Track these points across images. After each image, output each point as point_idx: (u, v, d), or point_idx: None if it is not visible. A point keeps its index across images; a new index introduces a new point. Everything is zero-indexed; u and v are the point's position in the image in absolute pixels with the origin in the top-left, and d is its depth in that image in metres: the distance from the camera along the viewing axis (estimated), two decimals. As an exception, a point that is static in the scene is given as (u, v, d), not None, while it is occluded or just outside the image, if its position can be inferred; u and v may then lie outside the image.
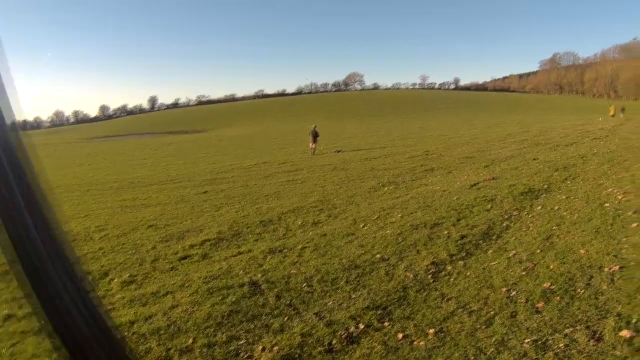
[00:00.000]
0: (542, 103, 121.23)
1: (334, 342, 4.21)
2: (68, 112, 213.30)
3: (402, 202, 10.13)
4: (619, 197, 7.73)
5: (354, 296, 5.23)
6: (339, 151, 27.23)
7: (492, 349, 3.70)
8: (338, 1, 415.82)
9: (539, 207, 8.19)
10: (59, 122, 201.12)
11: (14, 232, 0.67)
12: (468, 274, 5.54)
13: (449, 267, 5.82)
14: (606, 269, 4.89)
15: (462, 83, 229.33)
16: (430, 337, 4.08)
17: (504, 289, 4.88)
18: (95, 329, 0.74)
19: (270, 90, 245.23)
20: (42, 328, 0.68)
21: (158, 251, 8.01)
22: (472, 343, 3.86)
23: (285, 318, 4.83)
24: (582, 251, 5.55)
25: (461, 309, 4.57)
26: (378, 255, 6.53)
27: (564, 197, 8.67)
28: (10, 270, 0.66)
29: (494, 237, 6.87)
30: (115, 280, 6.63)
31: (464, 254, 6.28)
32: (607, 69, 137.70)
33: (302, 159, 24.25)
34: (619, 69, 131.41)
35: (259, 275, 6.16)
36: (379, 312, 4.74)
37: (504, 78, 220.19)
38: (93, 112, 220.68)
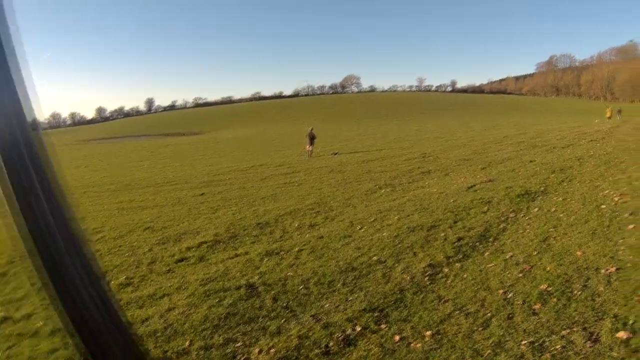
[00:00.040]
0: (538, 105, 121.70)
1: (330, 344, 4.20)
2: (65, 114, 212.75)
3: (399, 204, 10.13)
4: (616, 198, 7.74)
5: (350, 298, 5.22)
6: (335, 153, 27.23)
7: (489, 351, 3.70)
8: (335, 3, 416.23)
9: (536, 209, 8.20)
10: (55, 124, 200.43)
11: (35, 227, 0.69)
12: (465, 276, 5.53)
13: (445, 269, 5.82)
14: (603, 271, 4.89)
15: (459, 85, 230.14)
16: (427, 339, 4.08)
17: (501, 291, 4.88)
18: (111, 324, 0.76)
19: (267, 92, 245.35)
20: (59, 319, 0.70)
21: (155, 253, 7.99)
22: (469, 345, 3.85)
23: (282, 320, 4.82)
24: (578, 253, 5.55)
25: (458, 311, 4.56)
26: (375, 258, 6.52)
27: (560, 199, 8.68)
28: (32, 265, 0.68)
29: (490, 239, 6.87)
30: (112, 282, 6.60)
31: (461, 256, 6.28)
32: (604, 71, 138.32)
33: (299, 162, 24.24)
34: (615, 71, 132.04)
35: (256, 278, 6.15)
36: (375, 314, 4.73)
37: (501, 80, 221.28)
38: (90, 114, 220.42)
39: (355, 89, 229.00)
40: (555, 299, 4.44)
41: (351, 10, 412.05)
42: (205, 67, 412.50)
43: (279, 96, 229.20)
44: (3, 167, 0.69)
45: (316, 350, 4.11)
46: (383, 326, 4.45)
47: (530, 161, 14.87)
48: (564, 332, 3.78)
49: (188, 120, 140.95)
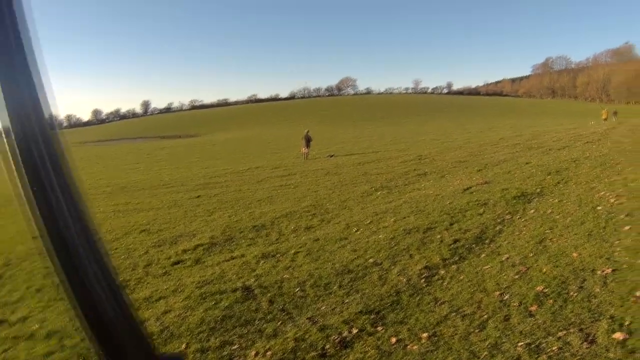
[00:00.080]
0: (534, 107, 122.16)
1: (327, 346, 4.19)
2: (61, 116, 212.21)
3: (395, 206, 10.12)
4: (612, 200, 7.76)
5: (347, 301, 5.21)
6: (331, 156, 27.24)
7: (485, 353, 3.70)
8: (331, 6, 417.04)
9: (532, 211, 8.21)
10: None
11: (51, 223, 0.70)
12: (461, 278, 5.53)
13: (442, 271, 5.82)
14: (599, 272, 4.90)
15: (455, 87, 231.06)
16: (423, 341, 4.07)
17: (497, 293, 4.88)
18: (123, 319, 0.78)
19: (263, 95, 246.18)
20: (74, 315, 0.72)
21: (151, 256, 7.97)
22: (465, 347, 3.85)
23: (279, 323, 4.81)
24: (574, 254, 5.56)
25: (454, 313, 4.56)
26: (371, 260, 6.52)
27: (556, 200, 8.69)
28: (49, 262, 0.70)
29: (486, 241, 6.87)
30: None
31: (457, 258, 6.27)
32: (599, 73, 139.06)
33: (295, 164, 24.23)
34: (611, 73, 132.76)
35: (252, 280, 6.13)
36: (372, 316, 4.72)
37: (497, 82, 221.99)
38: (86, 117, 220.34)
39: (352, 91, 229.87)
40: (551, 301, 4.44)
41: (347, 13, 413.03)
42: (202, 70, 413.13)
43: (275, 98, 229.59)
44: (22, 165, 0.71)
45: (312, 353, 4.10)
46: (379, 328, 4.45)
47: (526, 163, 14.89)
48: (560, 334, 3.78)
49: (184, 123, 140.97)
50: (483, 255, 6.28)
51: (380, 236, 7.64)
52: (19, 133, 0.71)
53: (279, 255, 7.28)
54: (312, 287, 5.72)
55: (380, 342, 4.16)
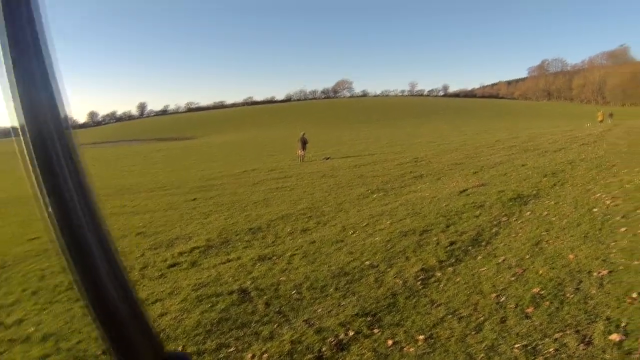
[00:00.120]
0: (530, 109, 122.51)
1: (323, 349, 4.18)
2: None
3: (391, 209, 10.12)
4: (607, 202, 7.78)
5: (343, 303, 5.21)
6: (327, 158, 27.23)
7: (482, 355, 3.69)
8: (327, 9, 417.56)
9: (528, 213, 8.22)
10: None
11: (65, 222, 0.71)
12: (457, 280, 5.53)
13: (438, 274, 5.81)
14: (595, 274, 4.91)
15: (451, 90, 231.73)
16: (420, 343, 4.07)
17: (494, 295, 4.88)
18: (134, 317, 0.79)
19: (259, 97, 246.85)
20: (88, 311, 0.74)
21: (147, 258, 7.95)
22: (462, 349, 3.85)
23: (275, 325, 4.80)
24: (571, 256, 5.57)
25: (451, 315, 4.56)
26: (367, 262, 6.51)
27: (552, 202, 8.71)
28: (64, 261, 0.72)
29: (483, 243, 6.87)
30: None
31: (453, 260, 6.28)
32: (595, 75, 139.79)
33: (291, 166, 24.21)
34: (606, 75, 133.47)
35: (248, 283, 6.12)
36: (368, 318, 4.72)
37: (493, 85, 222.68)
38: (82, 119, 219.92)
39: (348, 94, 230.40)
40: (547, 302, 4.44)
41: (343, 16, 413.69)
42: (198, 72, 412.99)
43: (271, 101, 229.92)
44: (37, 164, 0.71)
45: (309, 356, 4.10)
46: (376, 331, 4.44)
47: (522, 165, 14.93)
48: (556, 335, 3.78)
49: (180, 125, 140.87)
50: (479, 257, 6.28)
51: (377, 238, 7.64)
52: (34, 132, 0.71)
53: (275, 257, 7.27)
54: (309, 289, 5.71)
55: (377, 345, 4.15)
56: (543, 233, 6.86)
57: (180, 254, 8.00)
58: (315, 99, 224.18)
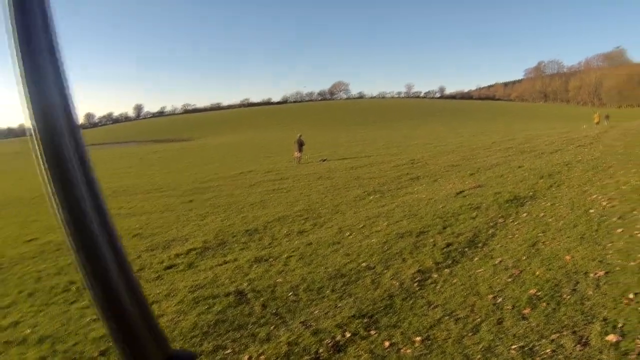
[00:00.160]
0: (527, 111, 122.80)
1: (320, 350, 4.18)
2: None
3: (388, 210, 10.13)
4: (604, 203, 7.80)
5: (340, 305, 5.20)
6: (324, 160, 27.20)
7: (479, 356, 3.69)
8: (324, 11, 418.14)
9: (525, 215, 8.23)
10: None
11: (75, 219, 0.73)
12: (454, 281, 5.53)
13: (435, 275, 5.82)
14: (592, 275, 4.92)
15: (447, 91, 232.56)
16: (417, 344, 4.07)
17: (490, 296, 4.88)
18: (140, 314, 0.80)
19: (255, 99, 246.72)
20: (96, 309, 0.75)
21: (143, 260, 7.94)
22: (459, 350, 3.85)
23: (272, 327, 4.79)
24: (567, 257, 5.58)
25: (448, 317, 4.56)
26: (364, 264, 6.51)
27: (549, 204, 8.72)
28: (75, 260, 0.73)
29: (479, 245, 6.88)
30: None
31: (450, 261, 6.28)
32: (591, 77, 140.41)
33: (287, 168, 24.19)
34: (602, 77, 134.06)
35: (245, 285, 6.11)
36: (365, 320, 4.72)
37: (489, 86, 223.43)
38: (79, 120, 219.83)
39: (344, 96, 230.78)
40: (544, 304, 4.45)
41: (339, 18, 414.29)
42: (195, 74, 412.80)
43: (268, 102, 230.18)
44: (48, 163, 0.72)
45: (306, 357, 4.09)
46: (373, 332, 4.44)
47: (519, 167, 14.94)
48: (553, 336, 3.78)
49: (177, 127, 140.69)
50: (476, 258, 6.29)
51: (373, 240, 7.64)
52: (45, 131, 0.72)
53: (271, 259, 7.26)
54: (305, 291, 5.71)
55: (374, 346, 4.15)
56: (540, 234, 6.87)
57: (177, 255, 7.98)
58: (311, 100, 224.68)
